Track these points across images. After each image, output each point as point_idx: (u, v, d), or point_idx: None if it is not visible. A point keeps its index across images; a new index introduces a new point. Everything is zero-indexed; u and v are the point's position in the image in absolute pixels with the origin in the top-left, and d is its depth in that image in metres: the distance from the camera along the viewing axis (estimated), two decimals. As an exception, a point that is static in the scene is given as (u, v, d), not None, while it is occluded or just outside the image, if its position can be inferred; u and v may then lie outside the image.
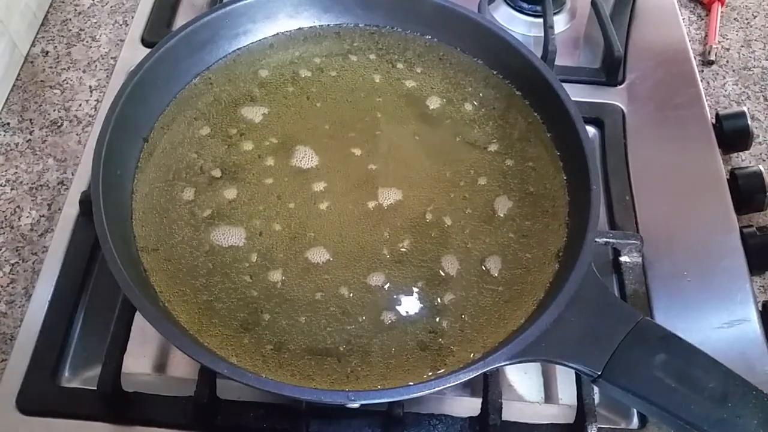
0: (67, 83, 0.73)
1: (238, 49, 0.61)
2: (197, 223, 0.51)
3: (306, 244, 0.51)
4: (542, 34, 0.70)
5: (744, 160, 0.72)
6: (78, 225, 0.58)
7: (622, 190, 0.63)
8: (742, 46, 0.81)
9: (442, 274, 0.50)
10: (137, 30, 0.73)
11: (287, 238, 0.51)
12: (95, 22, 0.78)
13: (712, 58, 0.79)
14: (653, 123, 0.68)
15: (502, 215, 0.53)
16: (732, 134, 0.67)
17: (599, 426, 0.49)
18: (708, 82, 0.77)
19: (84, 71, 0.74)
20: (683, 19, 0.79)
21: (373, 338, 0.47)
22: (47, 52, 0.76)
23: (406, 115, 0.59)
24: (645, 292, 0.57)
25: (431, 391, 0.42)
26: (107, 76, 0.73)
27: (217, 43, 0.60)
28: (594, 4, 0.75)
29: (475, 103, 0.59)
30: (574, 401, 0.50)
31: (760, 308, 0.57)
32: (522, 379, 0.55)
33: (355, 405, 0.44)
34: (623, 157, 0.65)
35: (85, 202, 0.57)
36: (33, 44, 0.76)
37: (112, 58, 0.75)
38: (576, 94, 0.59)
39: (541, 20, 0.73)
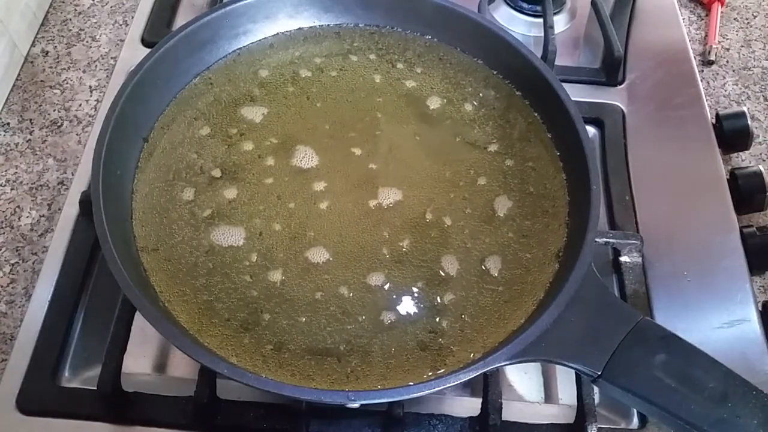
0: (67, 83, 0.73)
1: (238, 49, 0.61)
2: (197, 223, 0.51)
3: (306, 243, 0.51)
4: (542, 34, 0.70)
5: (744, 160, 0.72)
6: (78, 225, 0.58)
7: (622, 190, 0.63)
8: (742, 46, 0.81)
9: (442, 274, 0.50)
10: (137, 30, 0.73)
11: (287, 238, 0.51)
12: (95, 22, 0.78)
13: (712, 58, 0.79)
14: (653, 123, 0.68)
15: (502, 215, 0.53)
16: (732, 134, 0.67)
17: (599, 426, 0.49)
18: (708, 82, 0.77)
19: (84, 71, 0.74)
20: (683, 19, 0.79)
21: (373, 338, 0.47)
22: (47, 52, 0.76)
23: (406, 115, 0.59)
24: (645, 292, 0.57)
25: (431, 391, 0.42)
26: (107, 76, 0.73)
27: (217, 43, 0.60)
28: (594, 4, 0.75)
29: (475, 103, 0.59)
30: (574, 401, 0.50)
31: (760, 308, 0.57)
32: (522, 379, 0.55)
33: (355, 405, 0.44)
34: (623, 157, 0.65)
35: (85, 202, 0.57)
36: (33, 44, 0.76)
37: (112, 58, 0.75)
38: (576, 94, 0.59)
39: (541, 20, 0.73)
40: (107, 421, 0.50)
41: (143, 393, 0.51)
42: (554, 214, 0.53)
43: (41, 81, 0.73)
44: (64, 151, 0.68)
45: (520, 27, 0.76)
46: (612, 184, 0.63)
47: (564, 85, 0.55)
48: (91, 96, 0.72)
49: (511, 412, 0.50)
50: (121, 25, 0.78)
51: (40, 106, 0.71)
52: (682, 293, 0.57)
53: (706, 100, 0.69)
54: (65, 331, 0.53)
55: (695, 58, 0.74)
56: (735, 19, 0.84)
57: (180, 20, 0.75)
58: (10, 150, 0.68)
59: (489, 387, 0.49)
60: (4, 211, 0.64)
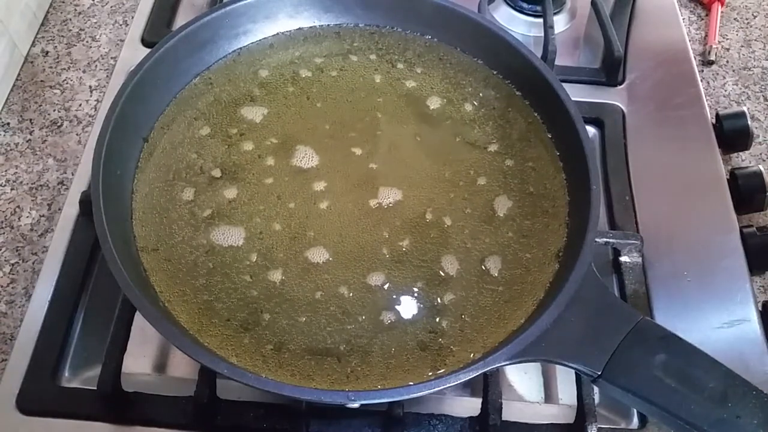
0: (67, 83, 0.73)
1: (238, 49, 0.61)
2: (197, 223, 0.52)
3: (306, 243, 0.51)
4: (542, 34, 0.70)
5: (744, 160, 0.71)
6: (78, 225, 0.58)
7: (622, 190, 0.63)
8: (742, 46, 0.81)
9: (442, 274, 0.50)
10: (137, 30, 0.73)
11: (287, 238, 0.51)
12: (95, 22, 0.78)
13: (712, 58, 0.79)
14: (653, 123, 0.68)
15: (501, 215, 0.53)
16: (732, 134, 0.67)
17: (599, 426, 0.49)
18: (708, 82, 0.77)
19: (84, 71, 0.74)
20: (683, 19, 0.79)
21: (373, 338, 0.47)
22: (47, 52, 0.76)
23: (407, 115, 0.59)
24: (645, 292, 0.57)
25: (431, 391, 0.42)
26: (107, 76, 0.73)
27: (217, 43, 0.60)
28: (594, 4, 0.75)
29: (475, 103, 0.59)
30: (574, 401, 0.50)
31: (760, 308, 0.57)
32: (522, 379, 0.55)
33: (355, 405, 0.44)
34: (623, 157, 0.65)
35: (85, 202, 0.57)
36: (33, 44, 0.76)
37: (112, 58, 0.75)
38: (576, 94, 0.59)
39: (541, 20, 0.73)
40: (107, 421, 0.50)
41: (143, 393, 0.51)
42: (554, 214, 0.53)
43: (41, 81, 0.73)
44: (64, 151, 0.68)
45: (520, 27, 0.76)
46: (612, 184, 0.63)
47: (564, 85, 0.55)
48: (91, 96, 0.72)
49: (511, 412, 0.50)
50: (121, 25, 0.78)
51: (40, 106, 0.71)
52: (682, 293, 0.57)
53: (706, 100, 0.69)
54: (65, 331, 0.53)
55: (695, 58, 0.74)
56: (735, 19, 0.84)
57: (180, 20, 0.75)
58: (10, 150, 0.68)
59: (489, 387, 0.49)
60: (4, 211, 0.64)
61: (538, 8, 0.75)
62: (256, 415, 0.50)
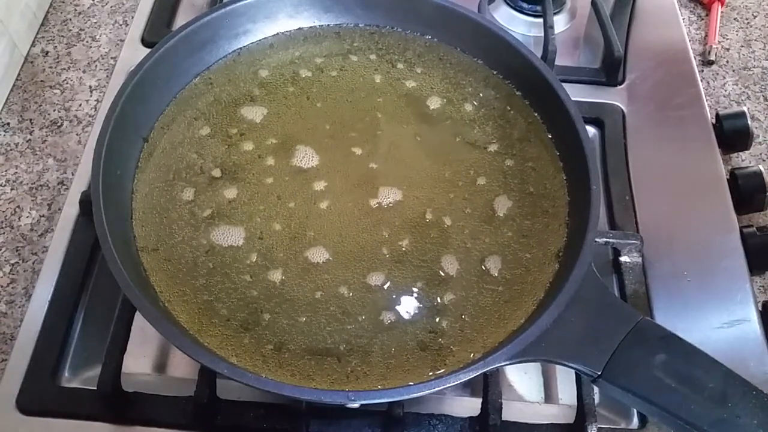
0: (67, 83, 0.73)
1: (238, 49, 0.61)
2: (197, 223, 0.51)
3: (306, 243, 0.51)
4: (542, 34, 0.70)
5: (744, 160, 0.72)
6: (78, 225, 0.58)
7: (622, 190, 0.63)
8: (742, 46, 0.81)
9: (442, 274, 0.50)
10: (137, 30, 0.73)
11: (287, 238, 0.51)
12: (95, 22, 0.78)
13: (712, 58, 0.79)
14: (653, 123, 0.68)
15: (501, 215, 0.53)
16: (732, 134, 0.67)
17: (599, 426, 0.49)
18: (708, 82, 0.77)
19: (84, 71, 0.74)
20: (683, 19, 0.79)
21: (373, 338, 0.47)
22: (47, 52, 0.76)
23: (407, 115, 0.59)
24: (645, 292, 0.57)
25: (431, 391, 0.42)
26: (107, 76, 0.73)
27: (217, 43, 0.60)
28: (594, 4, 0.75)
29: (475, 103, 0.59)
30: (574, 401, 0.50)
31: (760, 308, 0.57)
32: (522, 379, 0.55)
33: (355, 405, 0.44)
34: (623, 157, 0.65)
35: (85, 202, 0.57)
36: (33, 44, 0.76)
37: (112, 58, 0.75)
38: (576, 94, 0.59)
39: (541, 20, 0.73)
40: (107, 421, 0.50)
41: (143, 393, 0.51)
42: (554, 214, 0.53)
43: (41, 81, 0.73)
44: (64, 151, 0.68)
45: (520, 27, 0.76)
46: (612, 184, 0.63)
47: (564, 85, 0.55)
48: (91, 96, 0.72)
49: (511, 412, 0.50)
50: (121, 25, 0.78)
51: (40, 106, 0.71)
52: (682, 293, 0.57)
53: (706, 100, 0.69)
54: (65, 331, 0.53)
55: (695, 58, 0.74)
56: (735, 19, 0.84)
57: (180, 20, 0.75)
58: (10, 150, 0.68)
59: (489, 387, 0.49)
60: (4, 211, 0.64)
61: (538, 8, 0.75)
62: (256, 415, 0.50)
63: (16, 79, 0.73)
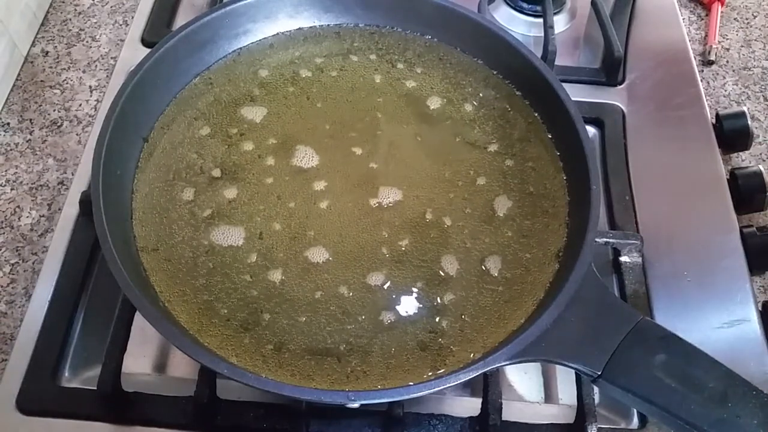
0: (67, 83, 0.73)
1: (238, 49, 0.61)
2: (197, 223, 0.51)
3: (306, 243, 0.51)
4: (542, 34, 0.70)
5: (744, 160, 0.72)
6: (78, 225, 0.58)
7: (622, 190, 0.63)
8: (742, 46, 0.81)
9: (442, 274, 0.50)
10: (137, 30, 0.73)
11: (287, 238, 0.51)
12: (95, 22, 0.78)
13: (712, 58, 0.79)
14: (653, 123, 0.68)
15: (501, 215, 0.53)
16: (732, 134, 0.67)
17: (599, 426, 0.49)
18: (708, 82, 0.77)
19: (84, 71, 0.74)
20: (683, 19, 0.79)
21: (373, 338, 0.47)
22: (47, 52, 0.76)
23: (407, 115, 0.59)
24: (645, 292, 0.57)
25: (431, 391, 0.42)
26: (107, 76, 0.73)
27: (217, 43, 0.60)
28: (594, 4, 0.75)
29: (475, 103, 0.59)
30: (574, 401, 0.50)
31: (760, 308, 0.57)
32: (522, 379, 0.55)
33: (355, 405, 0.44)
34: (623, 157, 0.65)
35: (85, 202, 0.57)
36: (33, 44, 0.76)
37: (112, 58, 0.75)
38: (576, 94, 0.59)
39: (541, 20, 0.73)
40: (107, 421, 0.50)
41: (143, 393, 0.51)
42: (554, 214, 0.53)
43: (41, 81, 0.73)
44: (64, 151, 0.68)
45: (520, 27, 0.76)
46: (612, 184, 0.63)
47: (564, 85, 0.55)
48: (91, 96, 0.72)
49: (511, 412, 0.50)
50: (121, 25, 0.78)
51: (40, 106, 0.71)
52: (682, 293, 0.57)
53: (706, 100, 0.69)
54: (65, 331, 0.53)
55: (695, 58, 0.74)
56: (735, 19, 0.84)
57: (180, 20, 0.75)
58: (10, 150, 0.68)
59: (489, 387, 0.49)
60: (4, 211, 0.64)
61: (538, 8, 0.75)
62: (256, 415, 0.50)
63: (16, 79, 0.73)
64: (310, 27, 0.63)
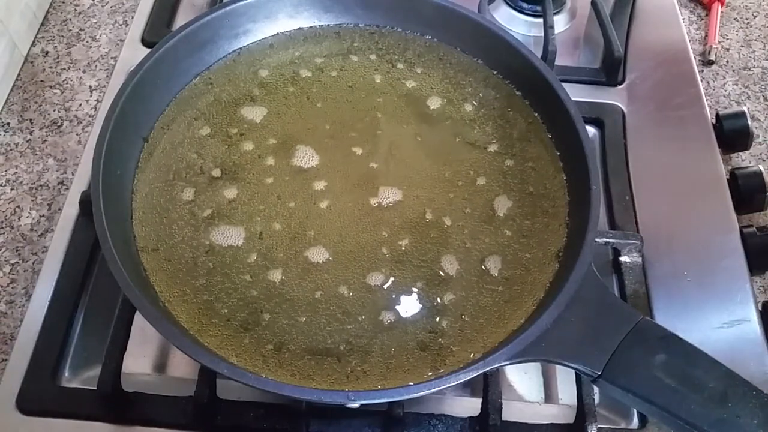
0: (67, 83, 0.73)
1: (238, 49, 0.61)
2: (197, 223, 0.51)
3: (306, 243, 0.51)
4: (542, 34, 0.70)
5: (744, 160, 0.72)
6: (78, 225, 0.58)
7: (622, 190, 0.63)
8: (742, 46, 0.81)
9: (442, 274, 0.50)
10: (137, 30, 0.73)
11: (287, 238, 0.51)
12: (95, 22, 0.78)
13: (712, 58, 0.79)
14: (653, 123, 0.68)
15: (501, 215, 0.53)
16: (732, 134, 0.67)
17: (599, 426, 0.49)
18: (708, 82, 0.77)
19: (84, 71, 0.74)
20: (683, 19, 0.79)
21: (373, 338, 0.47)
22: (47, 52, 0.76)
23: (407, 115, 0.59)
24: (645, 292, 0.57)
25: (431, 391, 0.42)
26: (107, 76, 0.73)
27: (217, 43, 0.60)
28: (594, 4, 0.75)
29: (475, 103, 0.59)
30: (574, 401, 0.50)
31: (760, 308, 0.57)
32: (522, 379, 0.55)
33: (355, 405, 0.44)
34: (623, 157, 0.65)
35: (85, 202, 0.57)
36: (33, 44, 0.76)
37: (112, 58, 0.75)
38: (576, 94, 0.59)
39: (541, 20, 0.73)
40: (107, 421, 0.50)
41: (143, 393, 0.51)
42: (554, 214, 0.53)
43: (41, 81, 0.73)
44: (64, 151, 0.68)
45: (520, 27, 0.76)
46: (612, 184, 0.63)
47: (564, 85, 0.55)
48: (91, 96, 0.72)
49: (511, 412, 0.50)
50: (121, 25, 0.78)
51: (40, 106, 0.71)
52: (682, 293, 0.57)
53: (706, 100, 0.69)
54: (65, 331, 0.53)
55: (695, 58, 0.74)
56: (735, 19, 0.84)
57: (180, 20, 0.75)
58: (10, 150, 0.68)
59: (489, 387, 0.49)
60: (4, 211, 0.64)
61: (538, 8, 0.75)
62: (256, 415, 0.50)
63: (16, 79, 0.73)
64: (310, 27, 0.63)
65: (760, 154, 0.72)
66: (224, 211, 0.52)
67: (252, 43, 0.61)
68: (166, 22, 0.74)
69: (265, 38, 0.62)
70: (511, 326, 0.48)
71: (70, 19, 0.78)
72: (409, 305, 0.49)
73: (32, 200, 0.64)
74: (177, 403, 0.50)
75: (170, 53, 0.56)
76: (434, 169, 0.55)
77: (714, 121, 0.68)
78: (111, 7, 0.80)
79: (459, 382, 0.42)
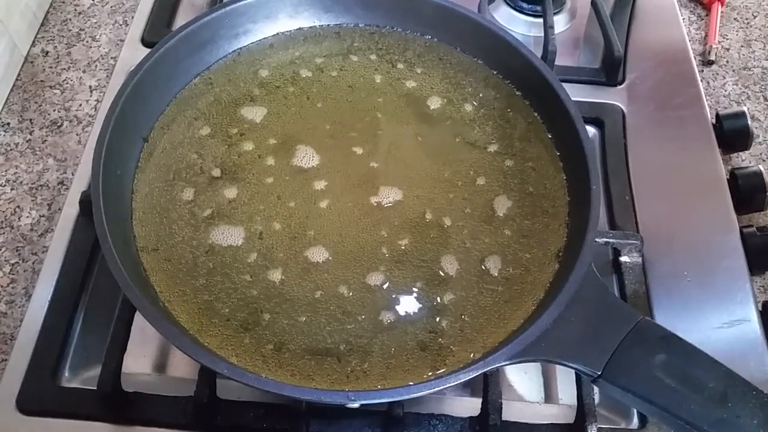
0: (67, 83, 0.73)
1: (238, 49, 0.61)
2: (197, 223, 0.52)
3: (306, 243, 0.51)
4: (542, 34, 0.70)
5: (744, 160, 0.72)
6: (78, 225, 0.58)
7: (622, 190, 0.63)
8: (742, 46, 0.81)
9: (442, 274, 0.50)
10: (137, 30, 0.73)
11: (287, 238, 0.51)
12: (95, 22, 0.78)
13: (712, 58, 0.79)
14: (653, 123, 0.68)
15: (501, 215, 0.53)
16: (732, 134, 0.67)
17: (599, 426, 0.49)
18: (708, 82, 0.77)
19: (84, 71, 0.74)
20: (683, 19, 0.79)
21: (373, 338, 0.47)
22: (47, 52, 0.76)
23: (407, 115, 0.59)
24: (645, 292, 0.57)
25: (431, 391, 0.42)
26: (107, 76, 0.73)
27: (217, 43, 0.60)
28: (594, 4, 0.75)
29: (475, 103, 0.59)
30: (574, 401, 0.50)
31: (760, 308, 0.57)
32: (522, 379, 0.55)
33: (355, 405, 0.44)
34: (623, 157, 0.65)
35: (85, 202, 0.57)
36: (33, 44, 0.76)
37: (112, 58, 0.75)
38: (576, 94, 0.59)
39: (541, 20, 0.73)
40: (107, 421, 0.50)
41: (143, 393, 0.51)
42: (554, 214, 0.53)
43: (41, 81, 0.73)
44: (64, 151, 0.68)
45: (520, 27, 0.76)
46: (612, 184, 0.63)
47: (564, 85, 0.55)
48: (91, 96, 0.72)
49: (511, 412, 0.50)
50: (121, 25, 0.78)
51: (40, 106, 0.71)
52: (682, 293, 0.57)
53: (706, 100, 0.69)
54: (65, 331, 0.53)
55: (695, 58, 0.74)
56: (735, 19, 0.84)
57: (180, 20, 0.75)
58: (10, 150, 0.68)
59: (489, 387, 0.49)
60: (4, 211, 0.64)
61: (538, 8, 0.75)
62: (256, 415, 0.50)
63: (16, 79, 0.73)
64: (310, 27, 0.63)
65: (760, 154, 0.72)
66: (224, 211, 0.52)
67: (252, 43, 0.61)
68: (166, 22, 0.74)
69: (265, 38, 0.62)
70: (511, 326, 0.48)
71: (70, 19, 0.78)
72: (408, 305, 0.49)
73: (32, 200, 0.64)
74: (177, 403, 0.50)
75: (170, 53, 0.56)
76: (434, 169, 0.55)
77: (714, 121, 0.68)
78: (111, 7, 0.80)
79: (459, 382, 0.42)
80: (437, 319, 0.48)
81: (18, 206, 0.64)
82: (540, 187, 0.54)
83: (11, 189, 0.65)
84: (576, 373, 0.49)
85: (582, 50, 0.76)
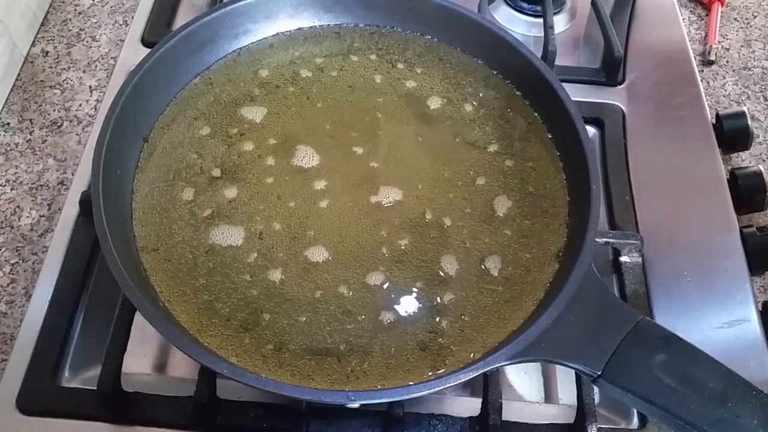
0: (67, 83, 0.73)
1: (238, 49, 0.61)
2: (197, 222, 0.52)
3: (306, 243, 0.51)
4: (542, 34, 0.70)
5: (744, 160, 0.72)
6: (78, 225, 0.58)
7: (622, 190, 0.63)
8: (742, 46, 0.81)
9: (442, 274, 0.50)
10: (137, 30, 0.73)
11: (287, 238, 0.51)
12: (95, 22, 0.78)
13: (712, 58, 0.79)
14: (653, 123, 0.68)
15: (501, 215, 0.53)
16: (732, 134, 0.67)
17: (599, 426, 0.49)
18: (708, 82, 0.77)
19: (84, 71, 0.74)
20: (683, 19, 0.79)
21: (373, 338, 0.47)
22: (47, 52, 0.76)
23: (407, 115, 0.59)
24: (645, 292, 0.57)
25: (431, 391, 0.42)
26: (107, 76, 0.73)
27: (217, 43, 0.60)
28: (594, 4, 0.75)
29: (475, 103, 0.59)
30: (574, 401, 0.50)
31: (760, 308, 0.57)
32: (522, 379, 0.55)
33: (355, 405, 0.44)
34: (623, 157, 0.65)
35: (85, 202, 0.57)
36: (33, 44, 0.76)
37: (112, 58, 0.75)
38: (576, 94, 0.59)
39: (541, 20, 0.73)
40: (107, 421, 0.50)
41: (143, 393, 0.51)
42: (554, 214, 0.53)
43: (41, 81, 0.73)
44: (64, 151, 0.68)
45: (520, 27, 0.76)
46: (612, 184, 0.63)
47: (564, 85, 0.55)
48: (91, 96, 0.72)
49: (511, 412, 0.50)
50: (121, 25, 0.78)
51: (40, 106, 0.71)
52: (682, 293, 0.57)
53: (706, 100, 0.69)
54: (65, 331, 0.53)
55: (695, 58, 0.74)
56: (735, 19, 0.84)
57: (180, 20, 0.75)
58: (10, 150, 0.68)
59: (489, 387, 0.49)
60: (4, 211, 0.64)
61: (538, 8, 0.75)
62: (256, 415, 0.50)
63: (16, 79, 0.73)
64: (310, 27, 0.63)
65: (760, 154, 0.72)
66: (224, 211, 0.52)
67: (252, 43, 0.61)
68: (166, 22, 0.74)
69: (265, 38, 0.62)
70: (511, 326, 0.48)
71: (70, 19, 0.78)
72: (408, 305, 0.49)
73: (32, 200, 0.64)
74: (177, 403, 0.50)
75: (170, 53, 0.56)
76: (434, 169, 0.55)
77: (714, 121, 0.68)
78: (111, 7, 0.80)
79: (459, 382, 0.42)
80: (437, 319, 0.48)
81: (18, 206, 0.64)
82: (540, 187, 0.54)
83: (11, 189, 0.65)
84: (576, 373, 0.49)
85: (582, 50, 0.76)
